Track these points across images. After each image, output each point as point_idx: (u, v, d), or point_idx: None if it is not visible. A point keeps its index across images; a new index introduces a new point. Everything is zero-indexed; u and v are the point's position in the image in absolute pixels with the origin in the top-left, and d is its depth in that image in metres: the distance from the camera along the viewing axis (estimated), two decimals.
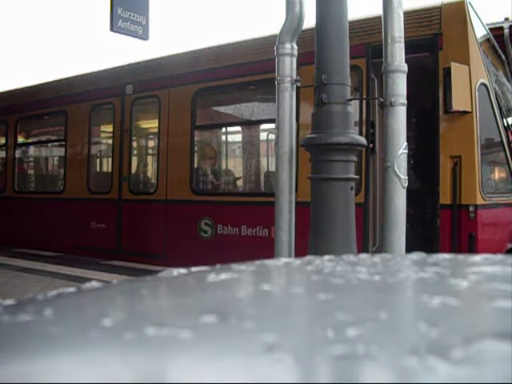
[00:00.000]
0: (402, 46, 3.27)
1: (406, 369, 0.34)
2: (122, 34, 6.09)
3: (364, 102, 5.20)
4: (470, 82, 4.69)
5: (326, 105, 3.01)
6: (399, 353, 0.37)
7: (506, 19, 6.88)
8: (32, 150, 10.00)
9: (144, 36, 6.35)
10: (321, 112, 3.05)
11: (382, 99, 3.32)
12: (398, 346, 0.38)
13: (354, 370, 0.35)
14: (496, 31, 6.12)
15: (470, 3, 4.93)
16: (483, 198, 4.76)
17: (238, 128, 7.60)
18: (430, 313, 0.46)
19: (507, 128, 5.22)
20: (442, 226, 4.80)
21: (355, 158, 3.12)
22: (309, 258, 0.82)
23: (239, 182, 7.09)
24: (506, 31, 6.33)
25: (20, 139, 9.52)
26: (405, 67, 3.27)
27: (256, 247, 5.61)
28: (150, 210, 6.88)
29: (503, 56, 6.20)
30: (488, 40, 5.71)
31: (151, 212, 6.88)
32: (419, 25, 5.00)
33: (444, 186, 4.81)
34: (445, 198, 4.80)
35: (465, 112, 4.71)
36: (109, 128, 7.83)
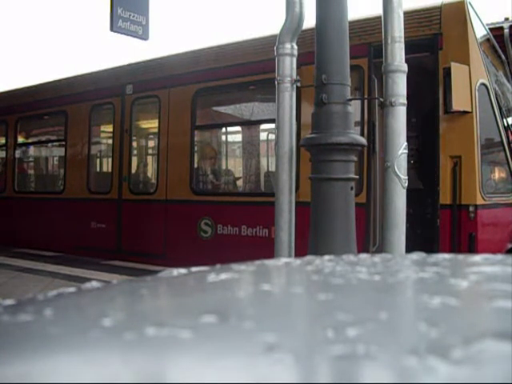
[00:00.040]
0: (402, 46, 3.27)
1: (405, 369, 0.34)
2: (122, 33, 6.09)
3: (366, 101, 5.20)
4: (470, 81, 4.69)
5: (326, 105, 3.01)
6: (399, 353, 0.37)
7: (506, 19, 6.88)
8: (32, 150, 10.00)
9: (144, 36, 6.36)
10: (321, 112, 3.05)
11: (381, 99, 3.32)
12: (397, 346, 0.38)
13: (353, 370, 0.35)
14: (496, 31, 6.12)
15: (470, 3, 4.93)
16: (483, 198, 4.76)
17: (238, 128, 7.60)
18: (429, 313, 0.46)
19: (507, 128, 5.22)
20: (442, 226, 4.80)
21: (355, 158, 3.12)
22: (309, 257, 0.82)
23: (239, 182, 7.09)
24: (506, 31, 6.33)
25: (20, 139, 9.52)
26: (405, 67, 3.27)
27: (256, 247, 5.61)
28: (150, 210, 6.88)
29: (503, 56, 6.20)
30: (488, 40, 5.71)
31: (151, 212, 6.88)
32: (419, 25, 5.00)
33: (444, 186, 4.81)
34: (445, 198, 4.80)
35: (465, 112, 4.71)
36: (109, 128, 7.83)
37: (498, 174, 5.43)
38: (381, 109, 3.48)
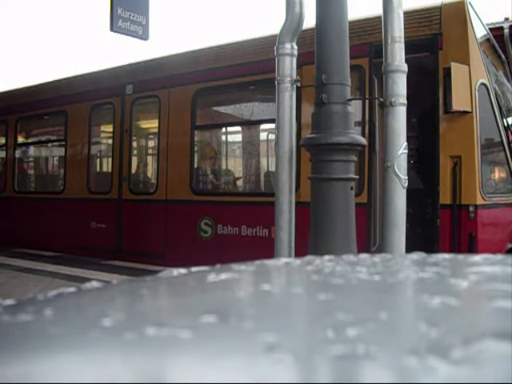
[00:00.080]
0: (402, 46, 3.27)
1: (406, 369, 0.34)
2: (122, 33, 6.09)
3: (367, 101, 5.20)
4: (470, 81, 4.69)
5: (326, 105, 3.01)
6: (399, 353, 0.37)
7: (506, 19, 6.88)
8: (32, 150, 10.00)
9: (144, 36, 6.36)
10: (321, 112, 3.05)
11: (381, 99, 3.32)
12: (398, 346, 0.38)
13: (354, 370, 0.35)
14: (496, 31, 6.12)
15: (470, 3, 4.93)
16: (483, 198, 4.76)
17: (238, 128, 7.60)
18: (429, 313, 0.46)
19: (507, 128, 5.22)
20: (442, 226, 4.80)
21: (355, 158, 3.12)
22: (309, 258, 0.82)
23: (239, 182, 7.09)
24: (506, 31, 6.33)
25: (20, 139, 9.52)
26: (405, 67, 3.27)
27: (256, 247, 5.61)
28: (150, 210, 6.88)
29: (503, 56, 6.20)
30: (488, 40, 5.71)
31: (151, 212, 6.88)
32: (419, 25, 5.00)
33: (444, 186, 4.81)
34: (445, 198, 4.80)
35: (465, 112, 4.71)
36: (109, 128, 7.83)
37: (498, 174, 5.43)
38: (381, 109, 3.48)
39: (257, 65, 5.89)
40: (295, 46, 3.55)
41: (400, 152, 3.20)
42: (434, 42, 4.91)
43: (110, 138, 7.78)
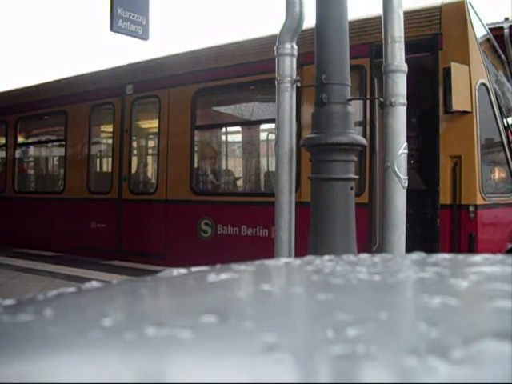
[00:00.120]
0: (402, 46, 3.27)
1: (406, 369, 0.34)
2: (122, 33, 6.09)
3: (367, 101, 5.20)
4: (470, 82, 4.69)
5: (326, 105, 3.01)
6: (399, 353, 0.37)
7: (506, 19, 6.88)
8: (32, 150, 10.00)
9: (144, 36, 6.36)
10: (321, 112, 3.05)
11: (381, 99, 3.32)
12: (398, 346, 0.38)
13: (354, 370, 0.35)
14: (496, 31, 6.11)
15: (470, 3, 4.93)
16: (483, 198, 4.76)
17: (238, 128, 7.60)
18: (429, 313, 0.46)
19: (507, 128, 5.22)
20: (442, 226, 4.80)
21: (355, 158, 3.12)
22: (309, 257, 0.82)
23: (239, 182, 7.09)
24: (506, 31, 6.33)
25: (20, 139, 9.52)
26: (405, 67, 3.27)
27: (256, 247, 5.61)
28: (150, 210, 6.88)
29: (503, 56, 6.20)
30: (488, 40, 5.71)
31: (151, 212, 6.88)
32: (419, 25, 5.00)
33: (444, 186, 4.81)
34: (445, 198, 4.80)
35: (465, 112, 4.70)
36: (109, 128, 7.83)
37: (498, 174, 5.43)
38: (381, 109, 3.48)
39: (257, 65, 5.89)
40: (295, 46, 3.55)
41: (400, 152, 3.20)
42: (434, 42, 4.91)
43: (109, 138, 7.78)
